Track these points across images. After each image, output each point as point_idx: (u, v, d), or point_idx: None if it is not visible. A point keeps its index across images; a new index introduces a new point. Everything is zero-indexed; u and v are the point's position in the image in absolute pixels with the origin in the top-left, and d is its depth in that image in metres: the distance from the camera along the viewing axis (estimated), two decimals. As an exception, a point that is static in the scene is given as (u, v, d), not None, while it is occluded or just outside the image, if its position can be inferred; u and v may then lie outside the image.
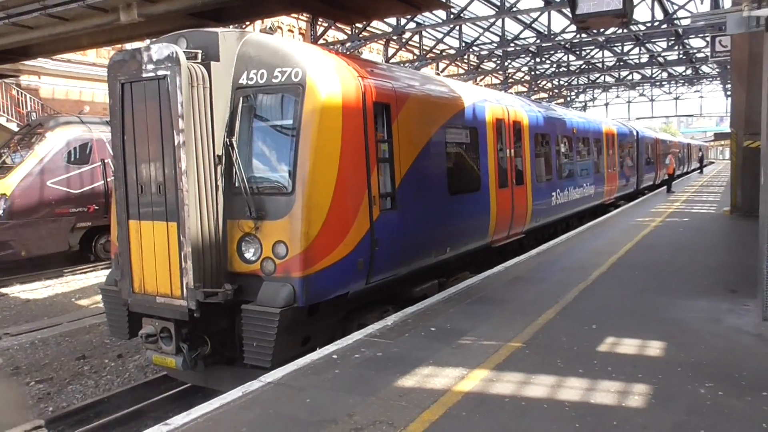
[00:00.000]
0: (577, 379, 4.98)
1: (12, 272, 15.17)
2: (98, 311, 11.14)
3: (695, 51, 29.99)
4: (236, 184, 6.16)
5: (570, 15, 20.24)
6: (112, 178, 7.30)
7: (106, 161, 15.88)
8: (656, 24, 21.60)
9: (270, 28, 12.40)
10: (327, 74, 6.40)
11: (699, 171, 45.46)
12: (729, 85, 39.96)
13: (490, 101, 10.55)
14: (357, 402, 4.62)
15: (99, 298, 11.78)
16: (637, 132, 25.44)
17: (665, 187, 26.07)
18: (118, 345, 9.59)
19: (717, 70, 34.64)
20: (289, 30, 26.61)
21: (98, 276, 14.96)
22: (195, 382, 7.04)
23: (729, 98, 45.59)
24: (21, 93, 21.87)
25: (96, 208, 15.97)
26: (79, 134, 15.93)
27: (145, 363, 8.85)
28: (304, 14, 23.22)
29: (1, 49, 13.40)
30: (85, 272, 15.69)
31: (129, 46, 12.95)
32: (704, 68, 35.77)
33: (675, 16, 21.47)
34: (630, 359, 5.44)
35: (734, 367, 5.16)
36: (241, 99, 6.33)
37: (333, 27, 20.89)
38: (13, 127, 19.95)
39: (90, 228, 16.14)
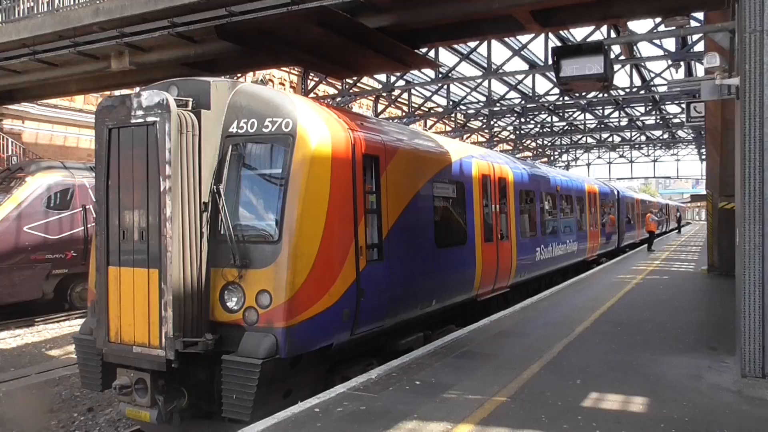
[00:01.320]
0: (563, 436, 4.87)
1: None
2: (69, 362, 10.74)
3: (671, 116, 31.16)
4: (222, 232, 6.11)
5: (554, 78, 21.09)
6: (93, 224, 7.22)
7: (87, 207, 15.70)
8: (635, 90, 22.50)
9: (261, 80, 12.66)
10: (317, 125, 6.50)
11: (677, 231, 46.31)
12: (704, 150, 41.40)
13: (476, 157, 10.76)
14: (338, 458, 4.45)
15: (71, 348, 11.38)
16: (618, 191, 26.02)
17: (646, 245, 26.44)
18: (89, 398, 9.21)
19: (692, 135, 35.93)
20: (281, 83, 27.19)
21: (72, 325, 14.49)
22: (169, 437, 6.74)
23: (704, 162, 47.11)
24: (2, 137, 21.79)
25: (74, 254, 15.65)
26: (61, 179, 15.78)
27: (117, 417, 8.49)
28: (296, 68, 23.80)
29: (-12, 92, 13.48)
30: (58, 321, 15.20)
31: (117, 93, 13.09)
32: (680, 133, 37.08)
33: (652, 83, 22.44)
34: (614, 415, 5.37)
35: (715, 424, 5.13)
36: (230, 147, 6.38)
37: (324, 81, 21.36)
38: (-6, 171, 19.74)
39: (66, 275, 15.75)
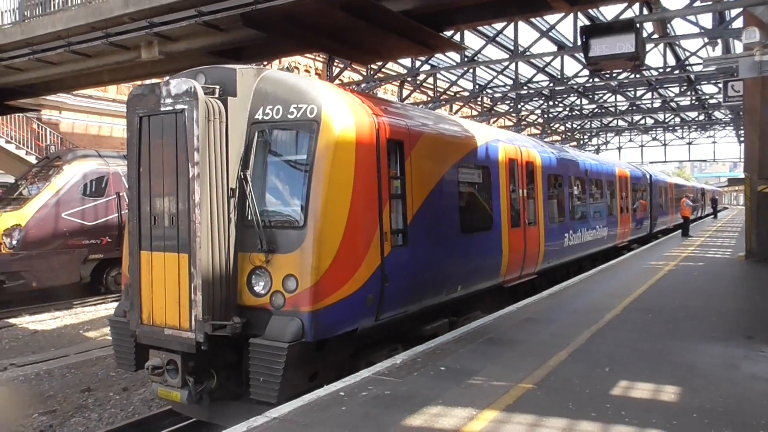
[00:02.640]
0: (590, 422, 4.83)
1: (22, 303, 15.23)
2: (106, 343, 11.10)
3: (708, 97, 30.15)
4: (249, 217, 6.19)
5: (582, 60, 20.58)
6: (126, 210, 7.38)
7: (120, 194, 16.10)
8: (668, 70, 21.83)
9: (287, 67, 12.70)
10: (341, 111, 6.50)
11: (713, 216, 45.14)
12: (742, 131, 40.02)
13: (502, 141, 10.63)
14: (363, 441, 4.51)
15: (107, 330, 11.75)
16: (651, 175, 25.40)
17: (680, 230, 25.78)
18: (123, 377, 9.51)
19: (729, 116, 34.76)
20: (306, 70, 27.24)
21: (107, 308, 14.96)
22: (199, 417, 6.93)
23: (742, 144, 45.57)
24: (41, 127, 22.45)
25: (109, 240, 16.12)
26: (96, 167, 16.23)
27: (150, 396, 8.74)
28: (321, 55, 23.80)
29: (24, 83, 13.83)
30: (94, 304, 15.71)
31: (148, 82, 13.31)
32: (717, 114, 35.92)
33: (687, 62, 21.71)
34: (644, 404, 5.28)
35: (751, 414, 4.99)
36: (256, 134, 6.43)
37: (349, 68, 21.32)
38: (32, 160, 20.40)
39: (102, 260, 16.25)
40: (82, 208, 15.68)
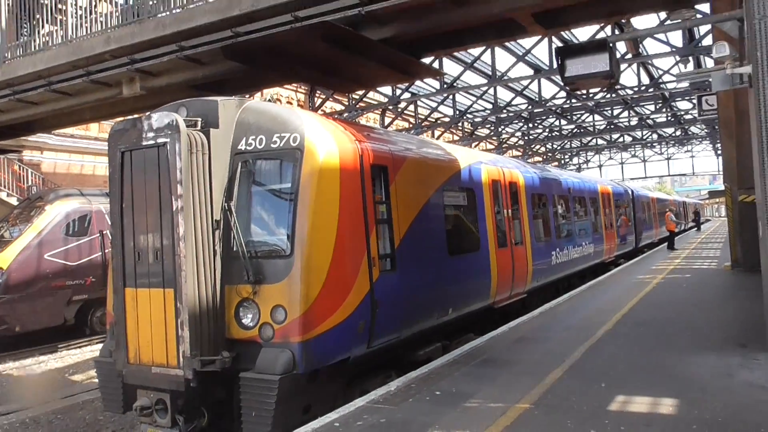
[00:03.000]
0: (590, 440, 4.76)
1: (5, 348, 14.82)
2: (92, 386, 10.80)
3: (683, 113, 30.81)
4: (234, 249, 6.13)
5: (558, 82, 20.99)
6: (110, 248, 7.27)
7: (104, 232, 15.90)
8: (643, 88, 22.32)
9: (269, 100, 12.77)
10: (324, 138, 6.51)
11: (696, 228, 45.66)
12: (719, 144, 40.85)
13: (485, 163, 10.72)
14: (360, 472, 4.39)
15: (93, 372, 11.44)
16: (633, 191, 25.72)
17: (666, 244, 25.97)
18: (111, 420, 9.24)
19: (705, 130, 35.48)
20: (288, 101, 27.42)
21: (93, 350, 14.61)
22: (191, 457, 6.71)
23: (720, 157, 46.48)
24: (23, 168, 22.22)
25: (93, 280, 15.83)
26: (78, 206, 16.02)
27: (139, 439, 8.48)
28: (303, 86, 24.01)
29: (4, 124, 13.72)
30: (80, 347, 15.33)
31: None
32: (693, 129, 36.66)
33: (661, 80, 22.23)
34: (643, 418, 5.24)
35: (750, 423, 4.97)
36: (239, 164, 6.41)
37: (331, 98, 21.49)
38: (14, 201, 20.11)
39: (86, 301, 15.92)
40: (65, 248, 15.42)
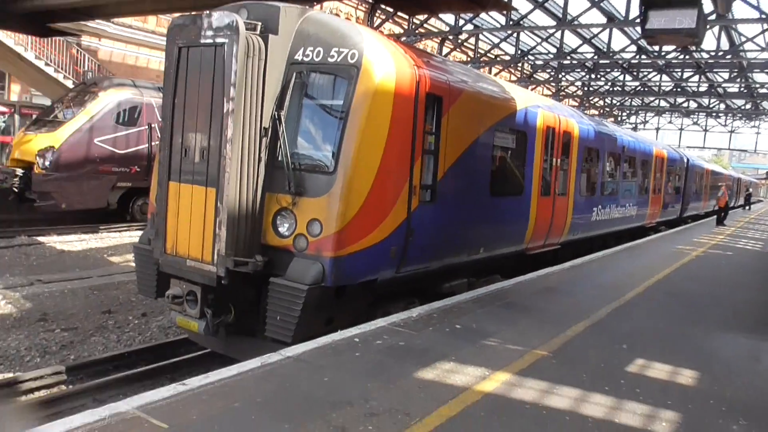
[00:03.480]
0: (603, 396, 4.80)
1: (50, 222, 15.63)
2: (128, 269, 11.37)
3: (758, 86, 28.90)
4: (279, 158, 6.15)
5: (634, 33, 19.77)
6: (157, 141, 7.39)
7: (152, 125, 16.20)
8: (720, 54, 20.90)
9: (329, 13, 12.40)
10: (383, 59, 6.33)
11: (745, 207, 43.92)
12: (789, 124, 38.40)
13: (542, 108, 10.34)
14: (375, 387, 4.56)
15: (130, 256, 12.03)
16: (688, 159, 24.68)
17: (715, 217, 25.00)
18: (143, 303, 9.77)
19: (778, 106, 33.35)
20: (347, 17, 26.69)
21: (132, 236, 15.29)
22: (215, 349, 7.09)
23: (787, 137, 43.76)
24: (80, 53, 22.53)
25: (138, 169, 16.33)
26: (130, 97, 16.30)
27: (167, 324, 8.98)
28: (364, 4, 23.23)
29: (67, 7, 13.78)
30: (119, 231, 16.07)
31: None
32: (765, 104, 34.49)
33: (741, 47, 20.72)
34: (660, 384, 5.23)
35: (772, 409, 4.90)
36: (294, 74, 6.31)
37: (391, 20, 20.80)
38: (69, 84, 20.56)
39: (130, 188, 16.52)
40: (114, 136, 15.85)
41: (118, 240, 15.04)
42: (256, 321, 6.40)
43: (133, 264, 7.39)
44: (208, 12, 6.17)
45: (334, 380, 4.65)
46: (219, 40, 5.93)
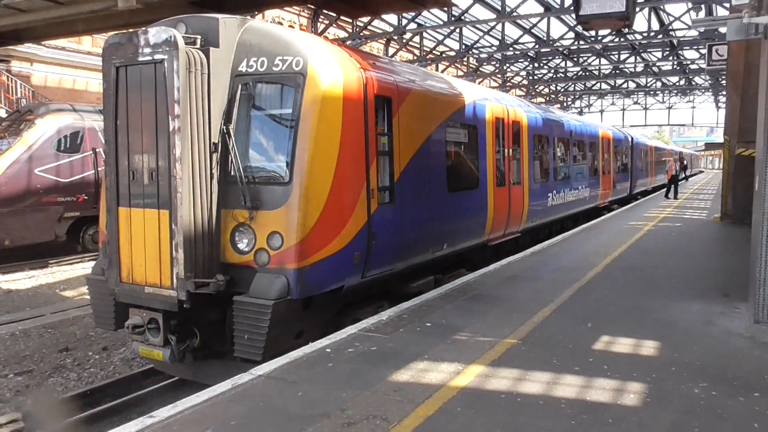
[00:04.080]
0: (573, 376, 4.91)
1: (-5, 261, 14.92)
2: (83, 303, 10.95)
3: (689, 62, 30.21)
4: (232, 173, 6.04)
5: (570, 21, 20.34)
6: (103, 167, 7.13)
7: (97, 150, 15.66)
8: (652, 34, 21.74)
9: (272, 21, 12.28)
10: (329, 64, 6.29)
11: (683, 179, 45.23)
12: (721, 97, 40.29)
13: (490, 100, 10.50)
14: (350, 396, 4.52)
15: (85, 289, 11.54)
16: (632, 138, 25.54)
17: (665, 190, 25.69)
18: (103, 337, 9.41)
19: (709, 81, 34.93)
20: (290, 25, 26.45)
21: (85, 267, 14.74)
22: (182, 376, 6.90)
23: (720, 109, 45.93)
24: (11, 79, 21.56)
25: (85, 197, 15.74)
26: (71, 122, 15.69)
27: (131, 356, 8.67)
28: (306, 10, 23.12)
29: (-8, 32, 13.17)
30: (71, 263, 15.45)
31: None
32: (697, 79, 36.06)
33: (670, 27, 21.62)
34: (625, 358, 5.39)
35: (727, 368, 5.14)
36: (239, 86, 6.21)
37: (334, 24, 20.79)
38: (2, 113, 19.65)
39: (78, 218, 15.90)
40: (57, 164, 15.22)
41: (70, 273, 14.46)
42: (224, 342, 6.26)
43: (88, 297, 7.11)
44: (144, 29, 6.00)
45: (308, 394, 4.59)
46: (158, 56, 5.77)
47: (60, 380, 7.95)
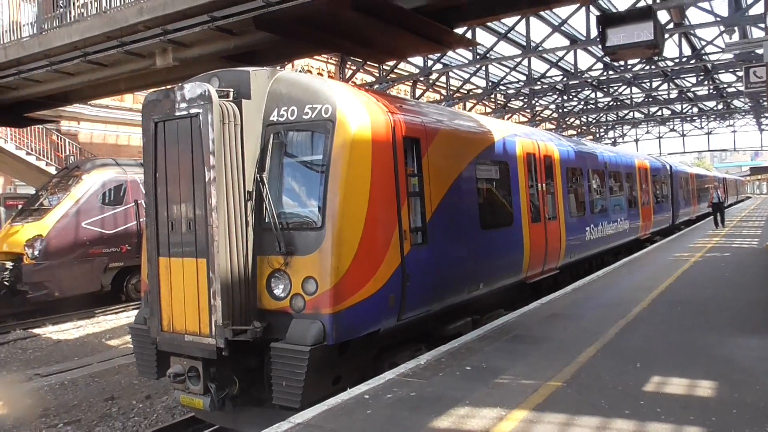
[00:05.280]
0: (624, 420, 4.67)
1: (45, 312, 15.37)
2: (128, 351, 11.12)
3: (726, 85, 29.58)
4: (266, 220, 6.13)
5: (597, 51, 20.31)
6: (144, 218, 7.36)
7: (138, 202, 16.20)
8: (684, 59, 21.44)
9: (301, 70, 12.66)
10: (356, 109, 6.40)
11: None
12: (763, 119, 39.20)
13: (519, 136, 10.46)
14: (390, 444, 4.40)
15: (128, 338, 11.78)
16: (671, 166, 24.94)
17: (713, 218, 24.54)
18: (146, 385, 9.51)
19: (749, 104, 34.03)
20: (319, 73, 27.24)
21: (129, 316, 15.04)
22: (223, 424, 6.87)
23: (764, 132, 44.62)
24: (60, 138, 22.73)
25: (128, 248, 16.21)
26: (114, 176, 16.35)
27: (173, 404, 8.72)
28: (333, 57, 23.77)
29: (43, 95, 13.98)
30: (116, 312, 15.81)
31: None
32: (736, 103, 35.22)
33: (703, 51, 21.30)
34: (679, 400, 5.10)
35: (795, 409, 4.78)
36: (271, 135, 6.36)
37: (362, 69, 21.25)
38: (52, 170, 20.64)
39: (122, 268, 16.35)
40: (102, 217, 15.81)
41: (115, 322, 14.79)
42: (263, 389, 6.23)
43: (132, 346, 7.22)
44: (180, 85, 6.26)
45: (347, 442, 4.49)
46: (193, 110, 5.99)
47: (106, 429, 8.05)
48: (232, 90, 6.33)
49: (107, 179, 16.16)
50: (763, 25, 13.05)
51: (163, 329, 6.23)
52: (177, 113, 6.10)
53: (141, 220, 15.92)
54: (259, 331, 5.92)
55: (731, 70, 25.03)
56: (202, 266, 5.92)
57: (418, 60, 20.44)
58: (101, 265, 15.81)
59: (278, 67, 13.29)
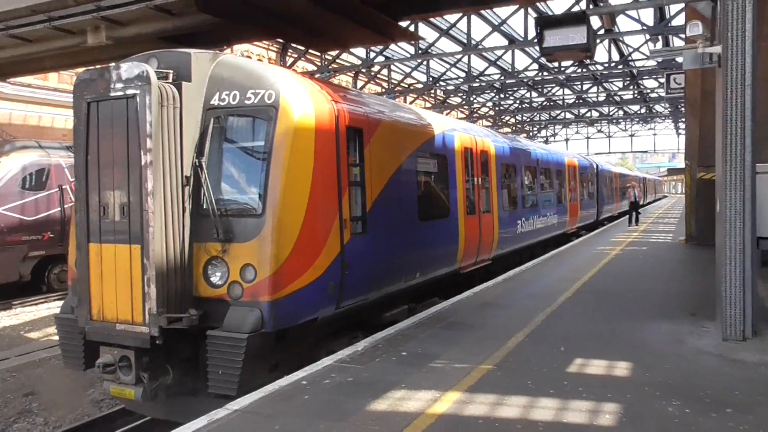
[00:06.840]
0: (549, 399, 4.97)
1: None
2: (50, 344, 10.62)
3: (649, 91, 31.40)
4: (204, 206, 6.03)
5: (534, 53, 21.06)
6: (70, 204, 7.04)
7: (63, 187, 15.38)
8: (613, 65, 22.60)
9: (241, 55, 12.41)
10: (300, 97, 6.40)
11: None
12: (681, 123, 41.84)
13: (458, 131, 10.75)
14: (328, 428, 4.48)
15: (51, 330, 11.23)
16: (597, 165, 26.24)
17: (628, 216, 25.96)
18: (71, 378, 9.11)
19: (669, 109, 36.28)
20: (259, 59, 26.71)
21: (50, 307, 14.30)
22: (155, 415, 6.72)
23: (680, 135, 47.64)
24: (-25, 118, 21.16)
25: (51, 236, 15.36)
26: (36, 159, 15.40)
27: (100, 396, 8.44)
28: (274, 44, 23.41)
29: (-44, 70, 13.00)
30: (35, 304, 14.96)
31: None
32: (657, 107, 37.43)
33: (630, 57, 22.55)
34: (599, 380, 5.48)
35: (699, 385, 5.26)
36: (212, 120, 6.26)
37: (303, 58, 21.02)
38: (-34, 152, 19.19)
39: (44, 257, 15.48)
40: (21, 203, 14.87)
41: (35, 314, 14.01)
42: (197, 379, 6.15)
43: (56, 337, 6.92)
44: (116, 64, 6.03)
45: (286, 427, 4.54)
46: (130, 91, 5.80)
47: (25, 426, 7.68)
48: (171, 72, 6.17)
49: (28, 162, 15.19)
50: (683, 36, 13.99)
51: (93, 318, 6.02)
52: (112, 93, 5.89)
53: (66, 206, 15.14)
54: (195, 319, 5.84)
55: (654, 76, 26.59)
56: (136, 253, 5.77)
57: (360, 51, 20.47)
58: (20, 254, 14.89)
59: (219, 51, 12.99)
